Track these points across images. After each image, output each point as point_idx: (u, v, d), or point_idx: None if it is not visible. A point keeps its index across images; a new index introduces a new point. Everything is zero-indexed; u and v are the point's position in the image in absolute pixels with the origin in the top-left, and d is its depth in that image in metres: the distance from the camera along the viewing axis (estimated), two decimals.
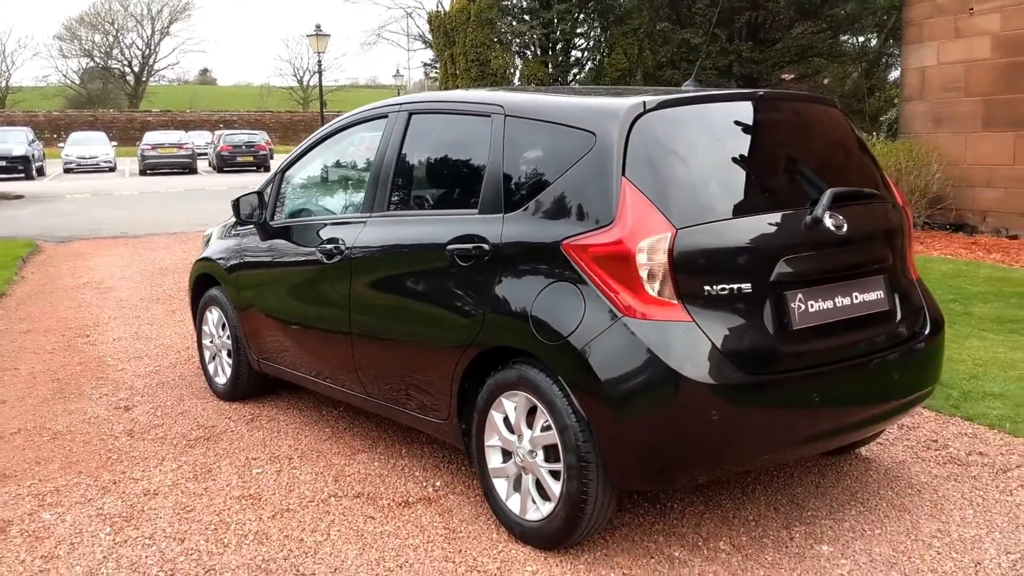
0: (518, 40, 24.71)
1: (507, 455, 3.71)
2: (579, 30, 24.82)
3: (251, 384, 5.58)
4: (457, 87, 23.41)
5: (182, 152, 35.38)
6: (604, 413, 3.27)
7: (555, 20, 23.62)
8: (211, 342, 5.86)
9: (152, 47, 63.53)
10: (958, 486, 4.13)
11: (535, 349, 3.47)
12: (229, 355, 5.65)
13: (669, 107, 3.53)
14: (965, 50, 12.02)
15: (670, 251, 3.23)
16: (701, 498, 4.04)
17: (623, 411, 3.24)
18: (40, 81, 68.09)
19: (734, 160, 3.62)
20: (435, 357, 3.94)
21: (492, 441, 3.74)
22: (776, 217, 3.47)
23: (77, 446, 5.00)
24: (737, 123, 3.71)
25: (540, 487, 3.58)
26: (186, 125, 54.31)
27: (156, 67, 64.20)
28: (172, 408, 5.65)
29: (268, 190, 5.25)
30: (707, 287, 3.27)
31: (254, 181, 19.35)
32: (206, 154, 41.82)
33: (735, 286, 3.29)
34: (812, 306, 3.46)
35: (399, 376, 4.21)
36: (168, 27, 63.41)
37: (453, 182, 4.17)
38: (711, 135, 3.61)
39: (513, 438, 3.64)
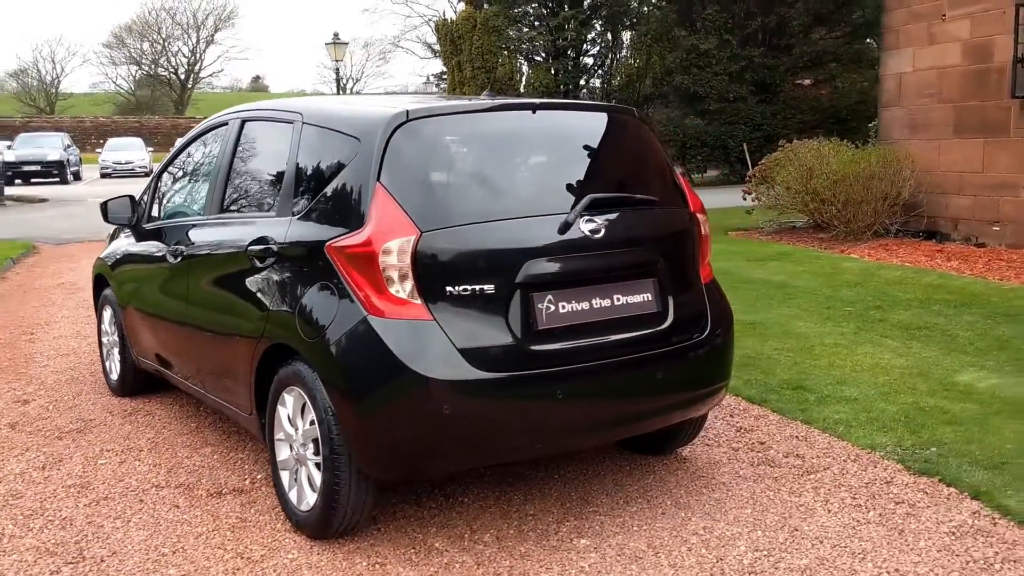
0: (525, 47, 24.88)
1: (292, 448, 3.89)
2: (588, 36, 24.90)
3: (137, 380, 5.82)
4: (464, 95, 23.65)
5: None
6: (348, 407, 3.44)
7: (564, 26, 23.74)
8: (107, 339, 6.12)
9: (197, 55, 64.97)
10: (753, 486, 4.21)
11: (299, 345, 3.65)
12: (120, 352, 5.90)
13: (434, 116, 3.69)
14: (938, 56, 11.92)
15: (413, 253, 3.38)
16: (494, 493, 4.18)
17: (363, 405, 3.40)
18: (93, 88, 69.90)
19: (493, 168, 3.76)
20: (237, 355, 4.14)
21: (280, 435, 3.92)
22: (527, 222, 3.60)
23: None
24: (505, 133, 3.85)
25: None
26: None
27: (201, 74, 65.75)
28: (66, 402, 5.91)
29: (145, 194, 5.50)
30: (449, 288, 3.41)
31: None
32: None
33: (477, 287, 3.43)
34: (563, 307, 3.58)
35: (220, 372, 4.42)
36: (213, 35, 64.75)
37: (263, 186, 4.36)
38: (475, 144, 3.76)
39: (292, 431, 3.82)
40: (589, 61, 25.36)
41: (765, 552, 3.58)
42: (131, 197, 5.46)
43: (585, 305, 3.64)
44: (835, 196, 11.98)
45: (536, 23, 24.84)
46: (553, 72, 24.24)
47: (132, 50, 63.91)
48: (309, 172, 3.91)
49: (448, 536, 3.77)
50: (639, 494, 4.16)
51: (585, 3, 24.11)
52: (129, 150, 38.71)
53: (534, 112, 3.91)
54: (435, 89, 30.77)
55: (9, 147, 34.07)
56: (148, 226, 5.37)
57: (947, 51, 11.78)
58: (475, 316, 3.44)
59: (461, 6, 25.88)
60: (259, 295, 3.96)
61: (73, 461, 4.79)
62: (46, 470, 4.67)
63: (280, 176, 4.09)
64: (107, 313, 6.05)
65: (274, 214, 4.03)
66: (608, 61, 25.26)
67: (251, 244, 4.03)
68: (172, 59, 64.44)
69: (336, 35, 25.59)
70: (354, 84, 66.97)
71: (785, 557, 3.54)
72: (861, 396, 5.39)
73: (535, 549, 3.64)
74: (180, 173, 5.33)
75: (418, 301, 3.40)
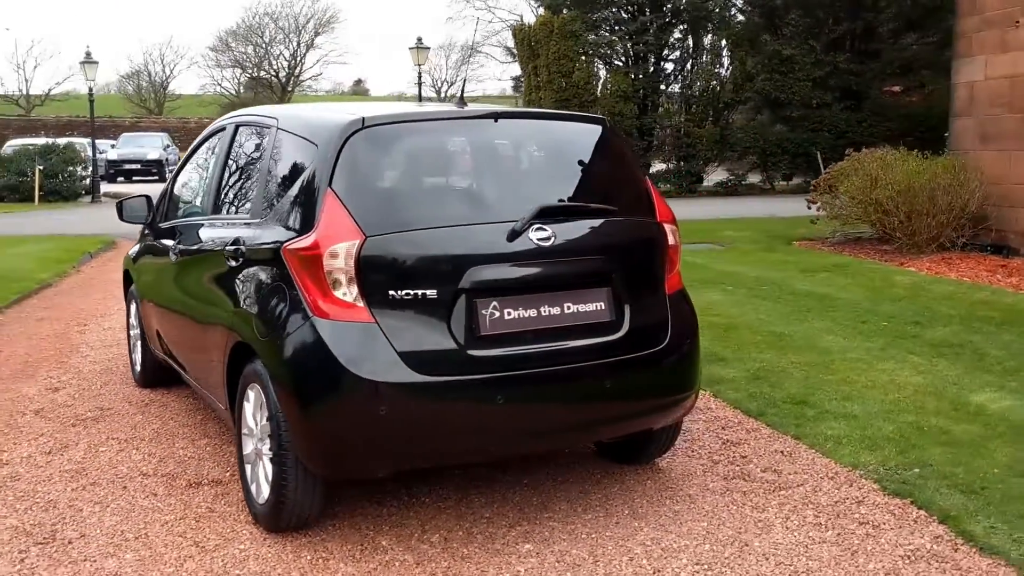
0: (604, 51, 24.79)
1: (253, 442, 4.01)
2: (668, 41, 24.68)
3: (157, 371, 6.05)
4: (540, 99, 23.73)
5: None
6: (292, 404, 3.55)
7: (644, 31, 23.57)
8: (133, 332, 6.39)
9: (298, 59, 66.65)
10: (718, 500, 4.17)
11: (255, 343, 3.78)
12: (142, 344, 6.16)
13: (390, 124, 3.78)
14: (1011, 64, 11.48)
15: (357, 256, 3.47)
16: (456, 494, 4.23)
17: (305, 403, 3.51)
18: (201, 90, 72.21)
19: (447, 176, 3.84)
20: (214, 350, 4.29)
21: (245, 429, 4.05)
22: (475, 229, 3.64)
23: None
24: (463, 141, 3.91)
25: None
26: None
27: (301, 78, 67.40)
28: (92, 392, 6.19)
29: (164, 194, 5.75)
30: (393, 292, 3.49)
31: None
32: None
33: (420, 292, 3.50)
34: (509, 314, 3.61)
35: (204, 366, 4.59)
36: (313, 40, 66.30)
37: (245, 189, 4.51)
38: (431, 152, 3.84)
39: (254, 426, 3.95)
40: (669, 67, 25.15)
41: (706, 566, 3.55)
42: (147, 197, 5.71)
43: (533, 312, 3.66)
44: (898, 207, 11.65)
45: (615, 27, 24.76)
46: (631, 77, 24.11)
47: (237, 54, 65.91)
48: (277, 176, 4.04)
49: (398, 535, 3.84)
50: (600, 503, 4.16)
51: (666, 8, 23.92)
52: None
53: (496, 121, 3.95)
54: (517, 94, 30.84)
55: (112, 146, 35.64)
56: (163, 225, 5.60)
57: (1020, 59, 11.34)
58: (417, 320, 3.51)
59: (542, 11, 25.98)
60: (231, 294, 4.10)
61: (78, 448, 5.02)
62: (51, 455, 4.91)
63: (257, 179, 4.24)
64: (133, 307, 6.32)
65: (249, 216, 4.18)
66: (688, 66, 25.00)
67: (228, 245, 4.19)
68: (274, 63, 66.29)
69: (419, 40, 26.03)
70: (448, 87, 67.66)
71: (725, 572, 3.50)
72: (862, 413, 5.26)
73: (478, 552, 3.69)
74: (189, 174, 5.55)
75: (361, 304, 3.48)
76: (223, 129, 4.96)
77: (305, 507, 3.73)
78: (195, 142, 5.55)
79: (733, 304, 8.70)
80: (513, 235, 3.62)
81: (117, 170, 33.82)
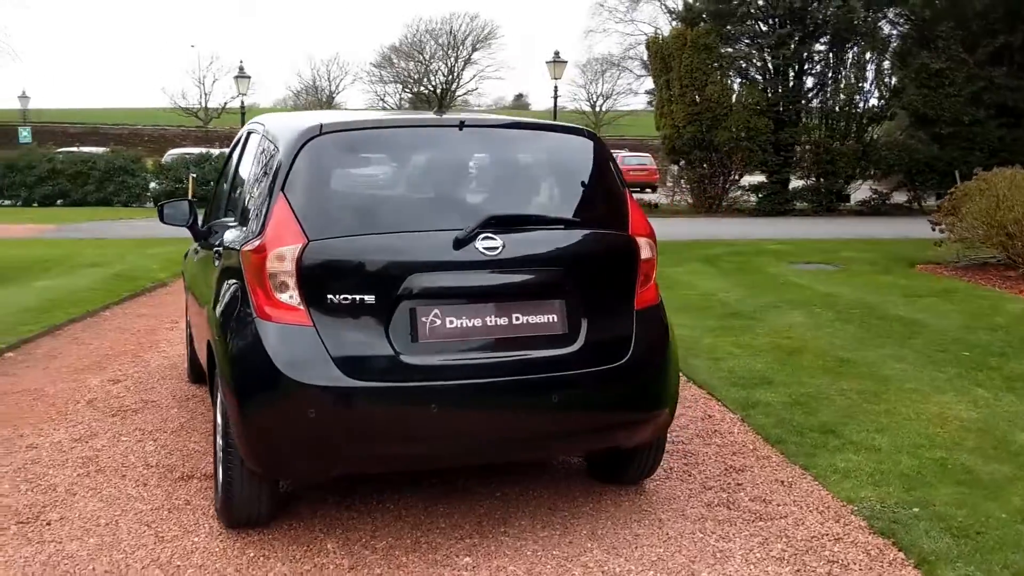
0: (740, 64, 24.18)
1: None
2: (809, 54, 23.85)
3: (200, 366, 6.29)
4: (672, 113, 23.36)
5: None
6: (231, 403, 3.63)
7: (784, 43, 22.88)
8: (189, 330, 6.69)
9: (455, 73, 68.14)
10: (688, 526, 3.99)
11: (212, 341, 3.89)
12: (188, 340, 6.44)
13: (347, 131, 3.82)
14: None
15: (299, 260, 3.52)
16: (424, 502, 4.21)
17: (240, 402, 3.58)
18: (366, 104, 74.84)
19: (400, 182, 3.85)
20: (203, 347, 4.44)
21: (217, 425, 4.17)
22: (420, 236, 3.63)
23: (44, 406, 5.94)
24: (422, 149, 3.90)
25: None
26: None
27: (456, 93, 68.70)
28: (147, 385, 6.51)
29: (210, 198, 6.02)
30: (332, 296, 3.52)
31: None
32: None
33: (359, 297, 3.51)
34: (451, 322, 3.58)
35: (205, 363, 4.76)
36: (471, 55, 67.64)
37: (240, 193, 4.65)
38: (386, 159, 3.86)
39: (220, 422, 4.05)
40: (810, 82, 24.30)
41: None
42: (189, 201, 5.94)
43: (477, 322, 3.61)
44: (1022, 231, 10.86)
45: (753, 40, 24.14)
46: (769, 92, 23.45)
47: (399, 69, 67.96)
48: (252, 180, 4.16)
49: (347, 539, 3.86)
50: (562, 521, 4.05)
51: (808, 20, 23.16)
52: None
53: (460, 128, 3.92)
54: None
55: None
56: (200, 228, 5.83)
57: None
58: (355, 325, 3.52)
59: (677, 24, 25.63)
60: (213, 293, 4.24)
61: (104, 437, 5.28)
62: (77, 442, 5.18)
63: (245, 183, 4.38)
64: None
65: (233, 219, 4.31)
66: (829, 80, 24.08)
67: (215, 247, 4.33)
68: (432, 78, 67.99)
69: (556, 54, 26.18)
70: (603, 101, 67.53)
71: None
72: (888, 446, 4.92)
73: (416, 561, 3.66)
74: (222, 180, 5.77)
75: (300, 307, 3.52)
76: (242, 137, 5.14)
77: (252, 505, 3.80)
78: (229, 148, 5.77)
79: (812, 327, 8.32)
80: (459, 244, 3.59)
81: None
